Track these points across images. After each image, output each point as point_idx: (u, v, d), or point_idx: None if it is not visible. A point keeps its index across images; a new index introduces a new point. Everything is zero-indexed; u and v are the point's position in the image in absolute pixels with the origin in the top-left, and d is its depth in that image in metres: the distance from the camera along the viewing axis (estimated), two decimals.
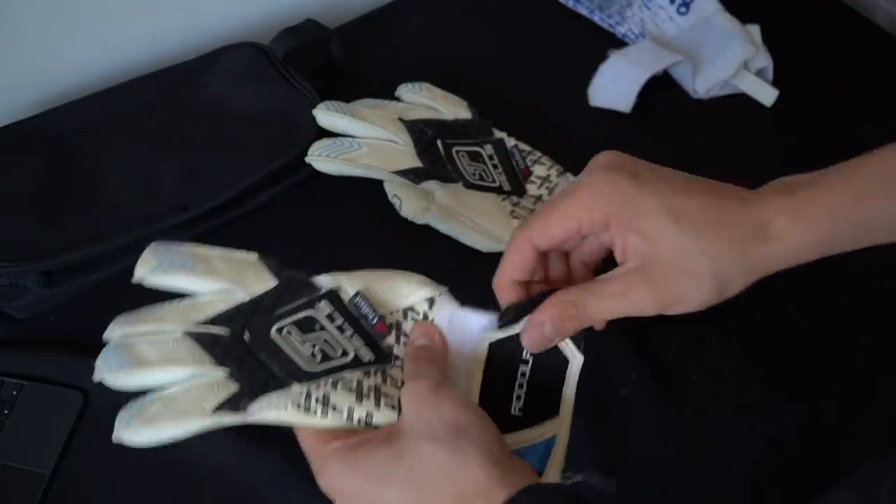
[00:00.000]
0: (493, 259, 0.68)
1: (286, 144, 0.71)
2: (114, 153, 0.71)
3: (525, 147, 0.72)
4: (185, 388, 0.45)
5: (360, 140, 0.69)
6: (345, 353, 0.47)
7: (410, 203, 0.69)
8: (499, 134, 0.72)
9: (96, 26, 0.80)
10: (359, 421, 0.45)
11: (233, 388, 0.45)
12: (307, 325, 0.47)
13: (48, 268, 0.64)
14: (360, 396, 0.45)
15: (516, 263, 0.49)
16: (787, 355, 0.63)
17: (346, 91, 0.74)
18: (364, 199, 0.71)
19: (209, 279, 0.48)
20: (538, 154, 0.72)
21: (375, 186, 0.70)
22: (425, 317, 0.50)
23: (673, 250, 0.44)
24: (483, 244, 0.68)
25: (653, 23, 0.83)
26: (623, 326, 0.64)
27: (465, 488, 0.40)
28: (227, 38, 0.81)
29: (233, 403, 0.45)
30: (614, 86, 0.77)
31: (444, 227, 0.69)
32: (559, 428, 0.49)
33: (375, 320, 0.48)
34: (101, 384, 0.62)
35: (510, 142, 0.72)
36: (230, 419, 0.45)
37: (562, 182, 0.70)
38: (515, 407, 0.49)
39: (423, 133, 0.70)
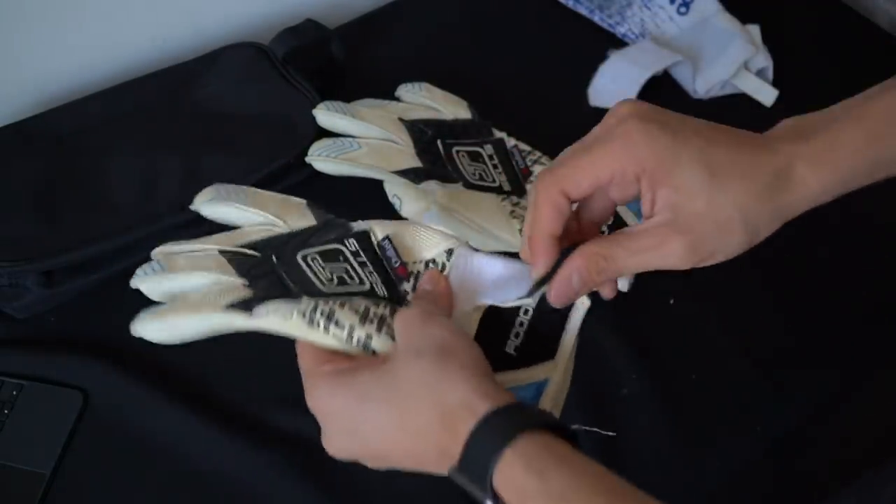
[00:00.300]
0: None
1: (286, 144, 0.71)
2: (114, 153, 0.71)
3: (525, 147, 0.72)
4: (204, 290, 0.48)
5: (360, 140, 0.69)
6: (361, 283, 0.49)
7: (410, 203, 0.69)
8: (499, 134, 0.72)
9: (97, 26, 0.80)
10: (357, 341, 0.45)
11: (248, 293, 0.47)
12: (332, 256, 0.49)
13: (48, 268, 0.64)
14: (363, 319, 0.46)
15: (551, 216, 0.45)
16: (787, 355, 0.63)
17: (346, 91, 0.74)
18: (364, 199, 0.71)
19: (257, 211, 0.51)
20: (538, 154, 0.72)
21: (375, 186, 0.70)
22: (443, 268, 0.51)
23: (706, 203, 0.43)
24: (483, 244, 0.68)
25: (653, 23, 0.83)
26: (623, 326, 0.64)
27: (448, 401, 0.40)
28: (227, 38, 0.81)
29: (244, 305, 0.46)
30: (614, 86, 0.77)
31: (444, 227, 0.68)
32: (552, 372, 0.49)
33: (398, 264, 0.50)
34: (101, 384, 0.62)
35: (510, 142, 0.72)
36: (240, 319, 0.46)
37: None
38: (511, 345, 0.50)
39: (423, 133, 0.70)
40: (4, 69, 0.78)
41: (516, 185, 0.69)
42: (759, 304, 0.66)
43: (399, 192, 0.69)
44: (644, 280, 0.66)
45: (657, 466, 0.58)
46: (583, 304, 0.50)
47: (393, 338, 0.45)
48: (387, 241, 0.50)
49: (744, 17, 0.81)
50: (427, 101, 0.74)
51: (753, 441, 0.60)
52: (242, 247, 0.50)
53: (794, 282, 0.67)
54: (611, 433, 0.52)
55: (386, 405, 0.41)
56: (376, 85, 0.75)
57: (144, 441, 0.60)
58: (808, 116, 0.47)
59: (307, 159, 0.69)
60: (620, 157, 0.44)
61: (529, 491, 0.37)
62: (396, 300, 0.49)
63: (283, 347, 0.65)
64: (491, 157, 0.71)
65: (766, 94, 0.78)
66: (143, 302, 0.67)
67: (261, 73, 0.77)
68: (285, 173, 0.71)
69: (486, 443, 0.38)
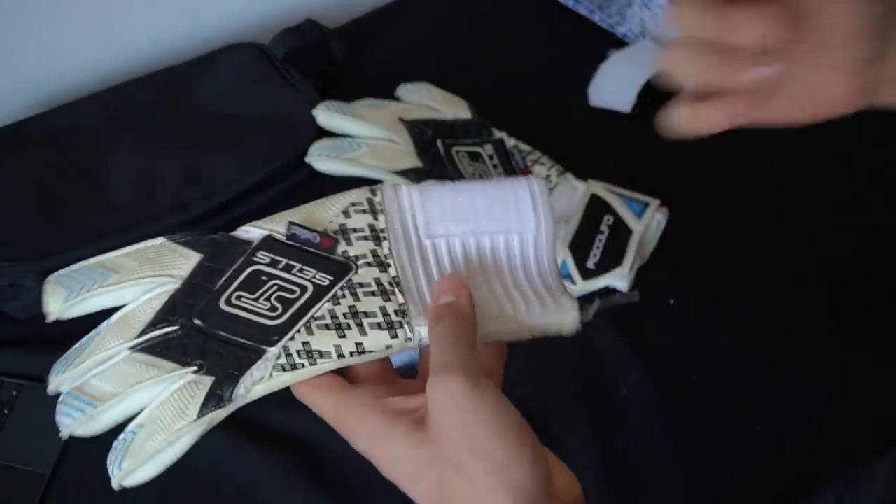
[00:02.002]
0: None
1: (286, 144, 0.71)
2: (114, 153, 0.71)
3: (525, 147, 0.72)
4: (159, 404, 0.41)
5: (360, 140, 0.69)
6: (304, 289, 0.42)
7: None
8: (499, 134, 0.72)
9: (96, 27, 0.80)
10: (351, 355, 0.40)
11: (207, 382, 0.41)
12: (253, 283, 0.42)
13: (48, 268, 0.64)
14: (339, 329, 0.41)
15: None
16: (787, 355, 0.63)
17: (346, 91, 0.74)
18: None
19: (130, 284, 0.43)
20: (538, 154, 0.72)
21: None
22: (372, 207, 0.44)
23: None
24: None
25: (653, 23, 0.83)
26: (623, 326, 0.64)
27: None
28: (227, 38, 0.81)
29: (216, 398, 0.41)
30: (614, 86, 0.77)
31: None
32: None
33: (317, 239, 0.43)
34: None
35: (510, 142, 0.72)
36: (221, 413, 0.41)
37: (562, 182, 0.70)
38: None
39: (423, 133, 0.70)
40: (4, 69, 0.78)
41: None
42: (759, 304, 0.66)
43: None
44: (644, 280, 0.66)
45: (657, 466, 0.58)
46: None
47: (380, 326, 0.40)
48: (294, 227, 0.44)
49: None
50: (427, 101, 0.74)
51: (753, 441, 0.60)
52: (150, 330, 0.41)
53: (794, 282, 0.67)
54: (634, 295, 0.46)
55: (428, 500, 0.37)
56: (376, 85, 0.75)
57: None
58: None
59: (307, 159, 0.69)
60: None
61: None
62: (342, 272, 0.42)
63: None
64: (491, 157, 0.71)
65: None
66: None
67: (261, 73, 0.77)
68: (285, 173, 0.71)
69: None
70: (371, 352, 0.41)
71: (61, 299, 0.43)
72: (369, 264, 0.42)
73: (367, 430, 0.39)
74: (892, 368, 0.63)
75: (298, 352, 0.40)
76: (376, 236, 0.43)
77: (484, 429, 0.36)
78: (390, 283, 0.42)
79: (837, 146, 0.75)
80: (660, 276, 0.67)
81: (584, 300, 0.43)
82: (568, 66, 0.82)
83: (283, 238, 0.43)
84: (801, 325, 0.64)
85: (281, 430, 0.60)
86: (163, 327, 0.42)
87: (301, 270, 0.42)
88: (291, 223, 0.44)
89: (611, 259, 0.65)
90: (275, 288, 0.42)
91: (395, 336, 0.41)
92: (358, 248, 0.43)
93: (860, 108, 0.43)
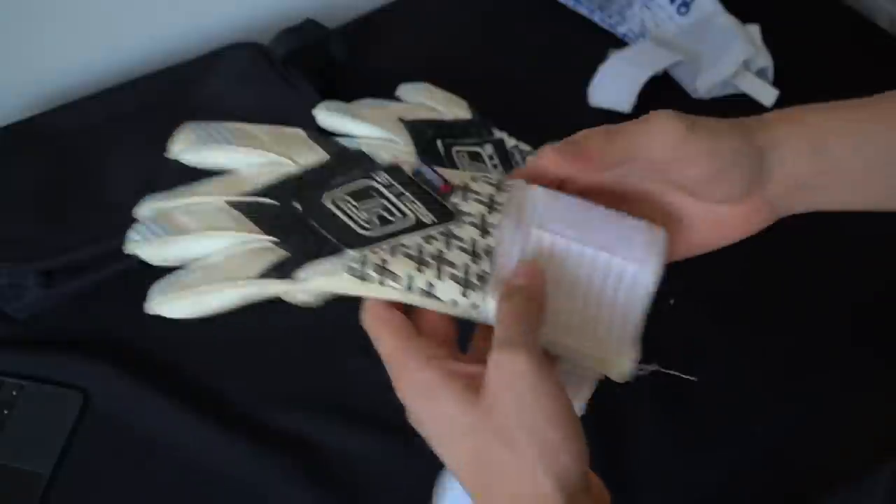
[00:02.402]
0: None
1: None
2: (114, 153, 0.71)
3: (525, 147, 0.72)
4: (228, 254, 0.41)
5: (360, 140, 0.69)
6: (405, 216, 0.42)
7: None
8: (499, 134, 0.72)
9: (96, 26, 0.80)
10: (419, 291, 0.40)
11: (281, 253, 0.41)
12: (363, 194, 0.43)
13: (48, 268, 0.64)
14: (420, 264, 0.40)
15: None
16: (787, 355, 0.63)
17: (346, 91, 0.74)
18: None
19: (254, 153, 0.44)
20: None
21: None
22: (499, 185, 0.44)
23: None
24: None
25: (653, 23, 0.83)
26: None
27: None
28: (227, 38, 0.81)
29: (281, 269, 0.41)
30: (614, 86, 0.77)
31: None
32: None
33: (439, 183, 0.44)
34: (101, 384, 0.62)
35: (510, 142, 0.72)
36: (277, 286, 0.41)
37: None
38: None
39: (423, 133, 0.70)
40: (4, 69, 0.78)
41: None
42: (759, 305, 0.66)
43: None
44: None
45: (657, 466, 0.58)
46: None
47: (457, 280, 0.40)
48: (423, 167, 0.45)
49: (744, 17, 0.81)
50: (427, 101, 0.74)
51: (753, 441, 0.60)
52: (252, 195, 0.43)
53: (794, 282, 0.67)
54: (692, 378, 0.49)
55: (468, 470, 0.38)
56: (376, 85, 0.75)
57: (144, 441, 0.60)
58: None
59: None
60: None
61: None
62: (446, 217, 0.43)
63: (285, 347, 0.66)
64: (491, 157, 0.71)
65: (766, 94, 0.78)
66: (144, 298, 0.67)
67: (261, 73, 0.77)
68: None
69: None
70: (438, 299, 0.40)
71: (189, 140, 0.45)
72: (474, 225, 0.42)
73: (420, 380, 0.39)
74: (893, 369, 0.63)
75: (375, 265, 0.40)
76: (492, 205, 0.43)
77: (542, 412, 0.36)
78: (485, 250, 0.42)
79: None
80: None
81: (644, 362, 0.43)
82: (568, 66, 0.82)
83: (408, 171, 0.44)
84: (802, 324, 0.64)
85: (282, 430, 0.60)
86: (265, 198, 0.43)
87: (411, 202, 0.43)
88: (422, 160, 0.45)
89: None
90: (379, 206, 0.43)
91: (465, 295, 0.40)
92: (470, 206, 0.43)
93: (773, 222, 0.46)
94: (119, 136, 0.73)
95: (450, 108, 0.73)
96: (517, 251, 0.42)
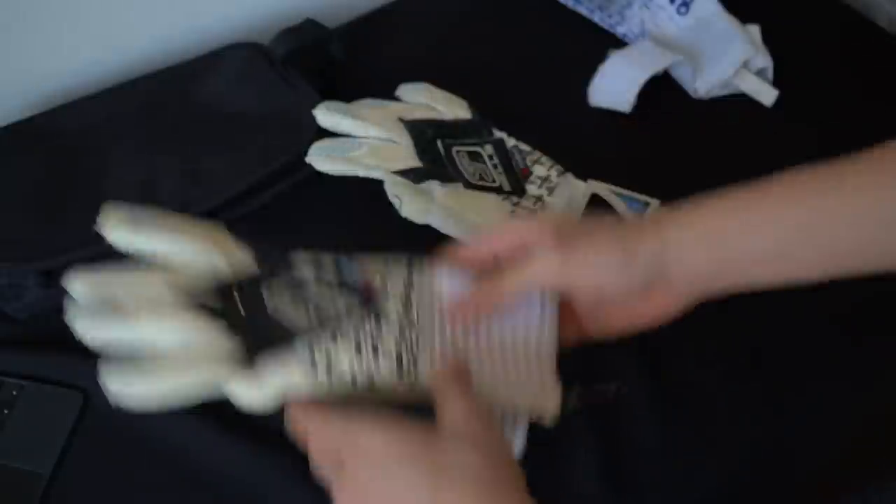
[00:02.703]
0: None
1: (286, 144, 0.71)
2: (114, 153, 0.71)
3: (525, 147, 0.72)
4: (184, 342, 0.44)
5: (360, 140, 0.69)
6: (335, 313, 0.47)
7: (411, 203, 0.69)
8: (499, 134, 0.72)
9: (96, 26, 0.80)
10: (355, 378, 0.45)
11: (236, 343, 0.44)
12: (297, 290, 0.47)
13: (48, 268, 0.64)
14: (358, 349, 0.45)
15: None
16: (786, 356, 0.63)
17: (346, 91, 0.74)
18: (364, 199, 0.71)
19: (184, 240, 0.46)
20: (538, 154, 0.72)
21: (375, 186, 0.70)
22: (410, 266, 0.51)
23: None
24: None
25: (653, 23, 0.83)
26: None
27: None
28: (227, 38, 0.81)
29: (240, 360, 0.44)
30: (614, 86, 0.77)
31: (444, 227, 0.69)
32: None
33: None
34: (101, 384, 0.62)
35: (510, 142, 0.72)
36: (237, 375, 0.44)
37: (562, 182, 0.70)
38: None
39: (423, 133, 0.70)
40: (4, 69, 0.78)
41: (516, 185, 0.69)
42: (758, 305, 0.66)
43: (399, 192, 0.69)
44: None
45: (657, 466, 0.58)
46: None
47: (390, 359, 0.45)
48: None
49: (744, 17, 0.81)
50: (427, 101, 0.74)
51: (753, 441, 0.60)
52: (202, 291, 0.44)
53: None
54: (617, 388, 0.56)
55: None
56: (376, 85, 0.75)
57: (144, 441, 0.60)
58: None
59: (307, 159, 0.69)
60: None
61: None
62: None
63: None
64: (491, 157, 0.71)
65: (766, 94, 0.78)
66: None
67: (261, 73, 0.77)
68: (285, 173, 0.71)
69: None
70: (382, 384, 0.45)
71: (116, 220, 0.46)
72: (397, 312, 0.48)
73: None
74: (893, 369, 0.63)
75: (319, 351, 0.45)
76: (404, 300, 0.49)
77: (481, 434, 0.42)
78: (410, 338, 0.48)
79: (837, 150, 0.75)
80: None
81: (566, 386, 0.49)
82: (568, 66, 0.82)
83: (329, 264, 0.49)
84: (803, 324, 0.64)
85: (282, 430, 0.60)
86: (208, 297, 0.45)
87: (335, 298, 0.48)
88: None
89: None
90: (314, 300, 0.47)
91: (400, 377, 0.45)
92: (391, 306, 0.48)
93: (699, 302, 0.51)
94: (119, 135, 0.73)
95: (450, 108, 0.73)
96: (437, 324, 0.48)
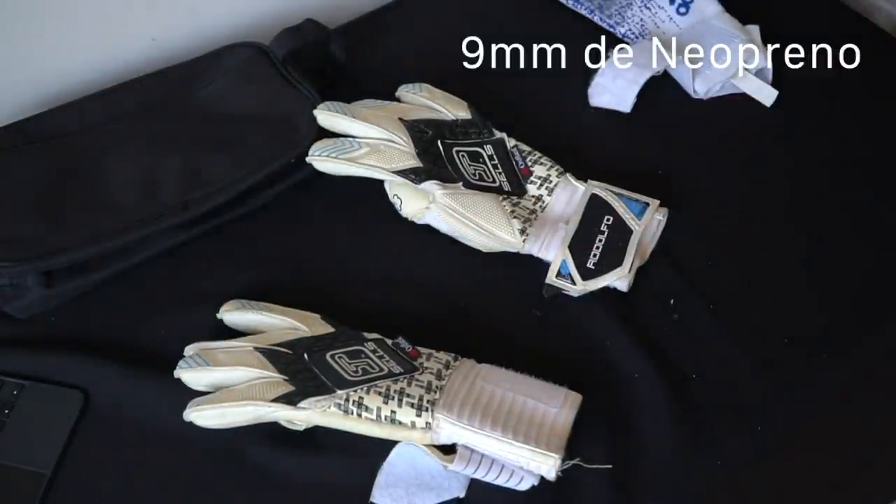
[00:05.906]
0: (494, 259, 0.68)
1: (286, 144, 0.71)
2: (114, 153, 0.71)
3: (525, 147, 0.72)
4: (250, 384, 0.57)
5: (360, 140, 0.69)
6: (381, 370, 0.58)
7: (410, 203, 0.69)
8: (499, 134, 0.72)
9: (97, 26, 0.80)
10: (385, 418, 0.56)
11: (289, 388, 0.57)
12: (354, 355, 0.59)
13: (48, 268, 0.64)
14: (386, 398, 0.56)
15: None
16: (787, 355, 0.63)
17: (346, 91, 0.74)
18: (364, 199, 0.71)
19: (281, 318, 0.62)
20: (538, 154, 0.72)
21: (376, 186, 0.70)
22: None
23: None
24: (483, 244, 0.68)
25: (653, 23, 0.83)
26: (623, 326, 0.64)
27: None
28: (227, 38, 0.81)
29: (288, 398, 0.56)
30: (614, 86, 0.77)
31: (444, 227, 0.69)
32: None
33: (410, 349, 0.60)
34: (101, 384, 0.62)
35: (510, 142, 0.72)
36: (284, 411, 0.56)
37: (562, 182, 0.70)
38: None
39: (423, 133, 0.70)
40: (4, 69, 0.78)
41: (516, 185, 0.69)
42: (759, 304, 0.66)
43: (399, 192, 0.70)
44: (644, 280, 0.66)
45: (658, 466, 0.58)
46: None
47: (412, 406, 0.56)
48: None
49: (744, 17, 0.81)
50: (427, 101, 0.74)
51: (753, 441, 0.60)
52: (274, 347, 0.59)
53: (793, 282, 0.67)
54: (607, 466, 0.57)
55: None
56: (376, 85, 0.75)
57: (144, 441, 0.60)
58: None
59: (307, 159, 0.69)
60: None
61: None
62: (410, 370, 0.58)
63: None
64: (491, 157, 0.71)
65: (766, 94, 0.78)
66: (145, 302, 0.67)
67: (261, 73, 0.77)
68: (285, 173, 0.71)
69: None
70: (400, 423, 0.56)
71: (231, 308, 0.64)
72: (432, 374, 0.58)
73: None
74: (893, 369, 0.63)
75: (353, 402, 0.56)
76: (447, 366, 0.59)
77: None
78: (438, 388, 0.58)
79: (837, 149, 0.75)
80: (660, 276, 0.67)
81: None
82: (568, 66, 0.82)
83: (389, 342, 0.61)
84: (802, 324, 0.64)
85: (281, 429, 0.60)
86: (283, 350, 0.59)
87: (387, 361, 0.59)
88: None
89: (611, 259, 0.65)
90: (365, 363, 0.59)
91: (419, 415, 0.56)
92: (432, 364, 0.59)
93: None
94: (119, 135, 0.73)
95: (450, 108, 0.73)
96: (465, 389, 0.57)
